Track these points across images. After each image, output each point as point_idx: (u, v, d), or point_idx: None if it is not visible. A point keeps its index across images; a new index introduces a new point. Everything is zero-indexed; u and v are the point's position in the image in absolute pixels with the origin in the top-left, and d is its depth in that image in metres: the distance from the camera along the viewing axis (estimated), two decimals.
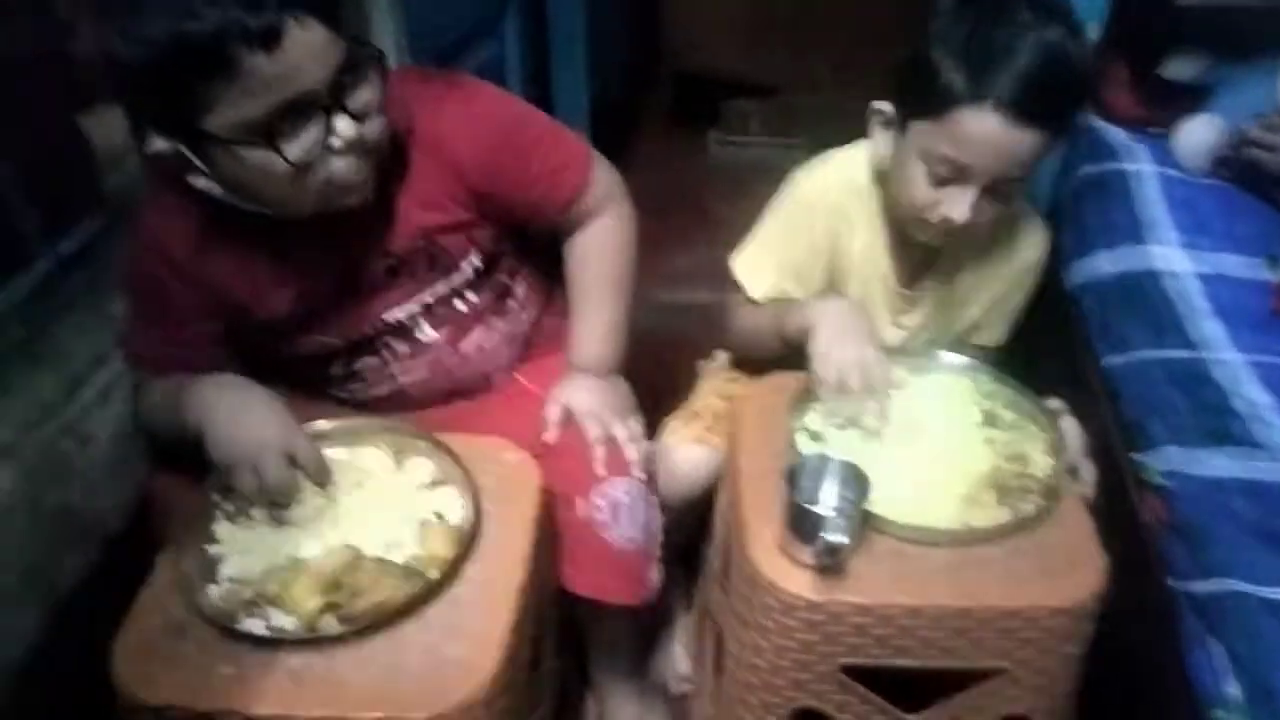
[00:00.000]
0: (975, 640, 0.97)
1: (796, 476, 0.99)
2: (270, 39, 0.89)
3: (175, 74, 0.90)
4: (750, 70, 3.08)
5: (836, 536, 0.92)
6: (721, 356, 1.52)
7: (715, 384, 1.47)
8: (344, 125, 0.97)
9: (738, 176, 3.10)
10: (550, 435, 1.18)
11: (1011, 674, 0.99)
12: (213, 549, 1.01)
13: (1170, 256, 1.47)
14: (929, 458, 1.09)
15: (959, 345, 1.31)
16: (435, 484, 1.09)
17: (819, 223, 1.24)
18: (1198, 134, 1.64)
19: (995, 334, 1.35)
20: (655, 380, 1.37)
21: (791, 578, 0.97)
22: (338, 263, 1.14)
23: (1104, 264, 1.53)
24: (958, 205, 1.08)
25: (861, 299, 1.28)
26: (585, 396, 1.20)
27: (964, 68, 1.03)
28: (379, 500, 1.06)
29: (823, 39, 2.94)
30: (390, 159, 1.10)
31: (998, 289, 1.29)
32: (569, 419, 1.19)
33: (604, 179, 1.23)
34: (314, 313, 1.15)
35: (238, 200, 1.02)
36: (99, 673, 0.91)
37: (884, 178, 1.21)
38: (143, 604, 0.96)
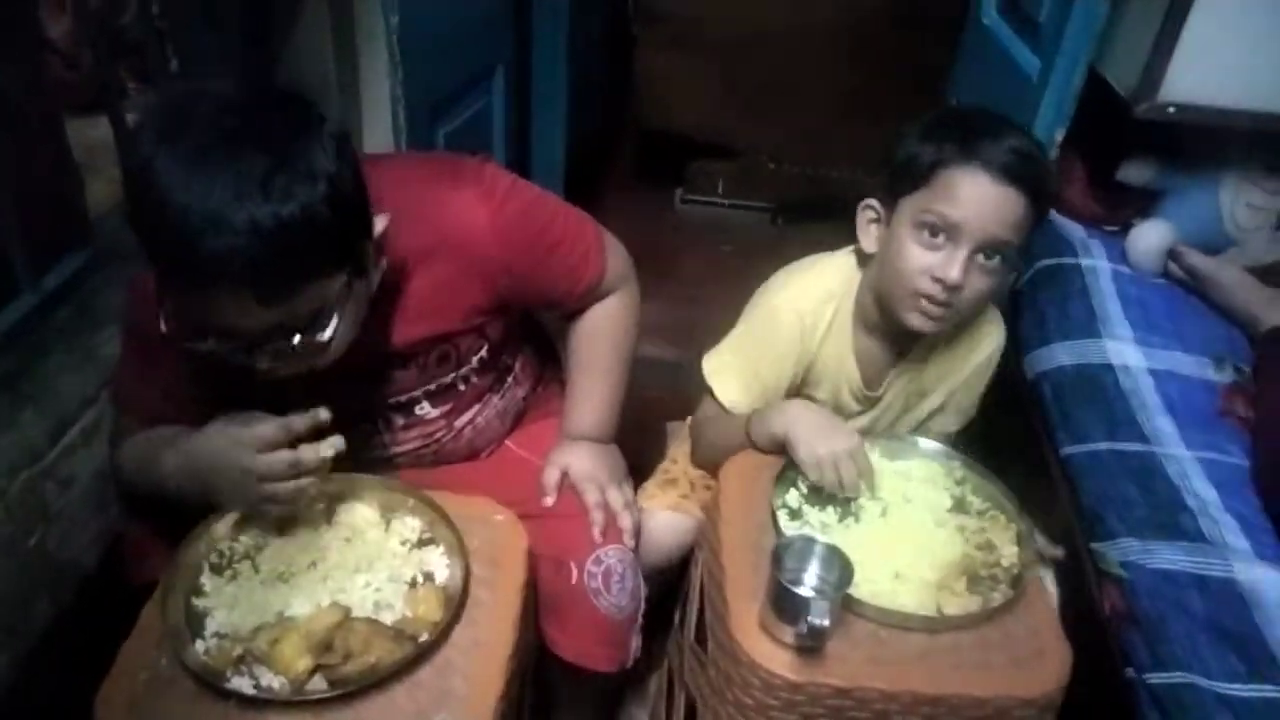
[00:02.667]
0: None
1: (782, 557, 1.01)
2: (271, 300, 0.89)
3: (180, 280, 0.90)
4: (716, 133, 3.15)
5: (820, 619, 0.95)
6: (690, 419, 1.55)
7: (687, 448, 1.50)
8: (299, 341, 0.95)
9: (702, 234, 3.17)
10: (549, 499, 1.20)
11: None
12: (199, 602, 1.01)
13: (1124, 352, 1.55)
14: (902, 542, 1.13)
15: (920, 431, 1.37)
16: (423, 543, 1.09)
17: (790, 334, 1.28)
18: (1148, 238, 1.74)
19: (955, 420, 1.40)
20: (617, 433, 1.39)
21: (773, 657, 0.99)
22: (346, 356, 1.06)
23: (1062, 355, 1.60)
24: (951, 265, 1.13)
25: (831, 402, 1.34)
26: (583, 462, 1.23)
27: (955, 142, 1.13)
28: (367, 558, 1.06)
29: (786, 107, 3.03)
30: (412, 266, 1.10)
31: (957, 381, 1.35)
32: (565, 484, 1.21)
33: (615, 263, 1.25)
34: (315, 390, 1.05)
35: None
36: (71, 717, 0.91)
37: (866, 274, 1.27)
38: (127, 656, 0.95)
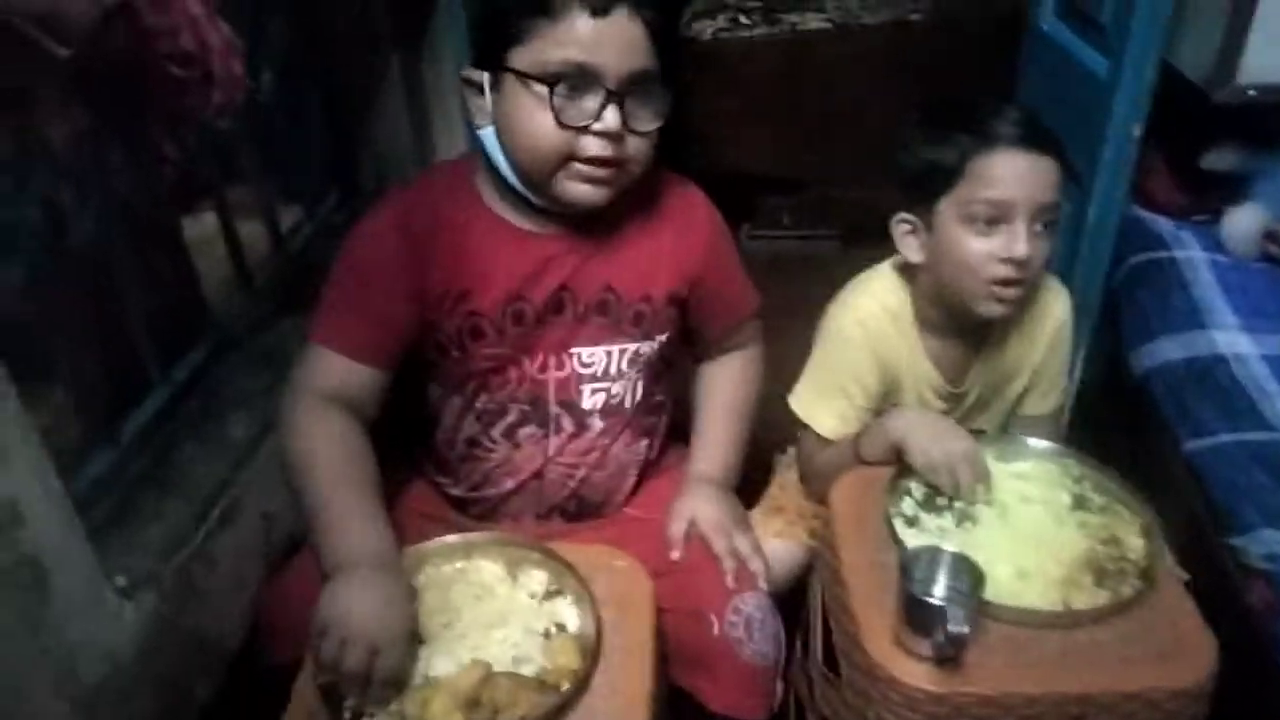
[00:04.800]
0: None
1: (911, 569, 1.01)
2: (598, 9, 1.03)
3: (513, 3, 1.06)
4: (778, 168, 3.18)
5: (958, 627, 0.94)
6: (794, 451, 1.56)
7: (793, 477, 1.51)
8: (611, 116, 1.07)
9: (771, 268, 3.17)
10: (677, 552, 1.21)
11: None
12: None
13: (1234, 340, 1.51)
14: (1024, 542, 1.12)
15: (1017, 420, 1.38)
16: (551, 594, 1.11)
17: (860, 346, 1.30)
18: (1243, 222, 1.71)
19: (1047, 401, 1.38)
20: None
21: (911, 671, 0.99)
22: (566, 272, 1.19)
23: (1170, 349, 1.57)
24: (1017, 243, 1.16)
25: (915, 405, 1.34)
26: (710, 508, 1.24)
27: (966, 133, 1.17)
28: (499, 613, 1.08)
29: (846, 134, 3.04)
30: (652, 212, 1.24)
31: (1037, 357, 1.35)
32: (692, 534, 1.22)
33: (757, 321, 1.36)
34: (518, 317, 1.18)
35: (501, 154, 1.13)
36: None
37: (919, 281, 1.29)
38: None
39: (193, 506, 1.20)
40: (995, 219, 1.16)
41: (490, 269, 1.17)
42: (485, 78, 1.12)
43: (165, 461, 1.26)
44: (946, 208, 1.20)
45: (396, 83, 1.89)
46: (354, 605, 0.96)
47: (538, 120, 1.07)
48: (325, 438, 1.10)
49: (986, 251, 1.17)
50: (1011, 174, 1.15)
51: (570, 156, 1.09)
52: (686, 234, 1.26)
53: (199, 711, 1.18)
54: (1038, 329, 1.33)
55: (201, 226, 1.56)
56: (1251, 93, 1.59)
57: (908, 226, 1.26)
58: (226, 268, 1.54)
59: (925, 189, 1.21)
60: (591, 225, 1.19)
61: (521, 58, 1.07)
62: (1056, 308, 1.34)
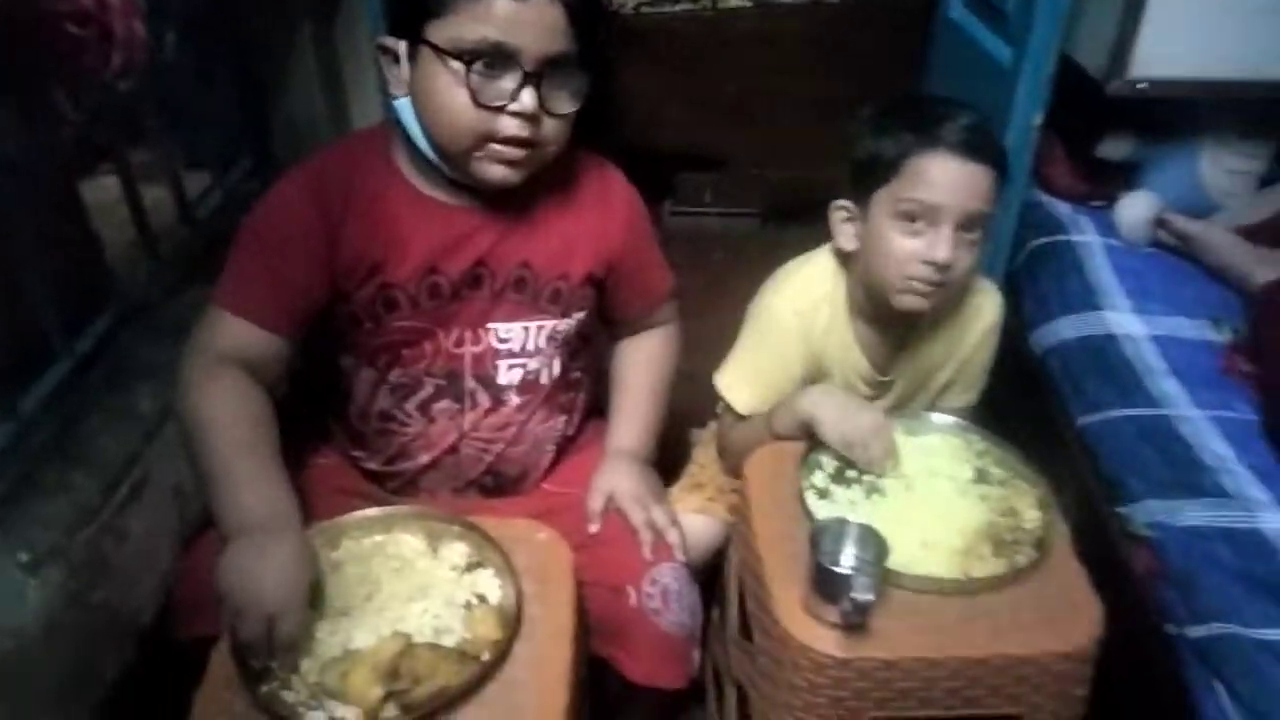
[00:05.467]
0: (992, 688, 1.04)
1: (819, 540, 1.05)
2: (572, 18, 1.05)
3: None
4: (699, 146, 3.20)
5: (864, 595, 0.99)
6: (714, 426, 1.59)
7: (713, 453, 1.54)
8: (528, 98, 1.06)
9: (693, 245, 3.19)
10: (594, 525, 1.23)
11: (1027, 718, 1.07)
12: None
13: (1124, 321, 1.60)
14: (928, 514, 1.17)
15: (934, 410, 1.40)
16: (471, 567, 1.12)
17: (793, 335, 1.33)
18: (1135, 209, 1.80)
19: (966, 396, 1.44)
20: None
21: (819, 637, 1.03)
22: (482, 248, 1.19)
23: (1065, 329, 1.65)
24: (939, 245, 1.18)
25: (845, 389, 1.37)
26: (628, 482, 1.26)
27: (912, 131, 1.19)
28: (420, 586, 1.08)
29: (765, 115, 3.08)
30: (571, 192, 1.24)
31: (964, 353, 1.40)
32: (610, 508, 1.24)
33: (673, 300, 1.38)
34: (433, 290, 1.18)
35: (417, 125, 1.12)
36: None
37: (852, 269, 1.32)
38: (202, 702, 0.97)
39: (100, 480, 1.17)
40: (923, 219, 1.19)
41: (405, 240, 1.16)
42: (402, 47, 1.10)
43: (69, 434, 1.22)
44: (881, 201, 1.22)
45: (309, 47, 1.84)
46: (248, 572, 0.96)
47: (454, 97, 1.06)
48: (222, 398, 1.08)
49: (909, 250, 1.20)
50: (944, 178, 1.17)
51: (487, 137, 1.09)
52: (605, 215, 1.26)
53: (109, 687, 1.16)
54: (967, 327, 1.37)
55: (103, 191, 1.50)
56: (1142, 86, 1.67)
57: (845, 213, 1.28)
58: (130, 234, 1.49)
59: (865, 179, 1.23)
60: (508, 201, 1.19)
61: (439, 32, 1.05)
62: (988, 309, 1.38)
